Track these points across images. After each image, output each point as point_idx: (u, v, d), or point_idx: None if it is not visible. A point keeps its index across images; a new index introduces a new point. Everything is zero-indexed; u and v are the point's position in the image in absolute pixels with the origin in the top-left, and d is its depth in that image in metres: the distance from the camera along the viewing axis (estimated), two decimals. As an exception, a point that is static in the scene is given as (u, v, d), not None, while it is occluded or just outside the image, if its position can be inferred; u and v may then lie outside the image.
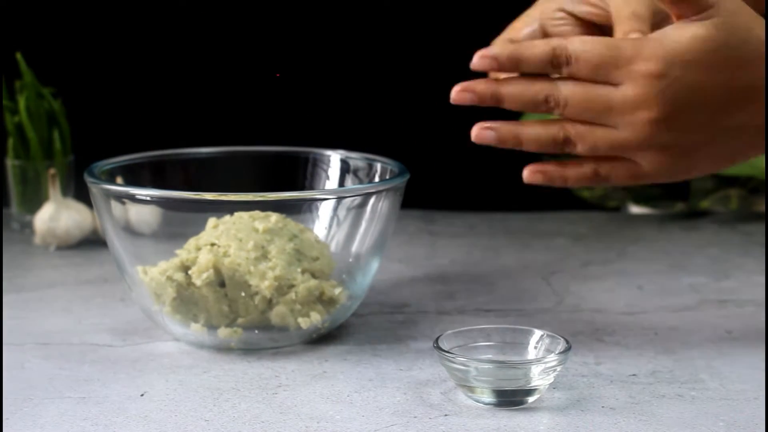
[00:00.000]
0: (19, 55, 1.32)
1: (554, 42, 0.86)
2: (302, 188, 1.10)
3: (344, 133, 1.42)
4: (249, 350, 0.98)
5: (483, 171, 1.47)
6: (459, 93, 0.88)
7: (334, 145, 1.12)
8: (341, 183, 1.10)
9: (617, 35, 0.92)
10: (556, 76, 0.87)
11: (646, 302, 1.11)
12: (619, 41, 0.85)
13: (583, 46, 0.85)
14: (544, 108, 0.86)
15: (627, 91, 0.85)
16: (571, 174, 0.89)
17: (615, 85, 0.85)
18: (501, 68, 0.86)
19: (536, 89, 0.86)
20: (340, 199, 0.99)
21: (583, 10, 0.97)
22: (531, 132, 0.88)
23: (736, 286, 1.16)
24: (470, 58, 1.00)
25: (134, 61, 1.45)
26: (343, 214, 1.00)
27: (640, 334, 1.02)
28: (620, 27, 0.92)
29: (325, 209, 1.00)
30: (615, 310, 1.09)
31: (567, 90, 0.86)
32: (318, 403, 0.88)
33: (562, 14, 0.98)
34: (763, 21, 0.86)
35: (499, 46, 0.86)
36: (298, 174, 1.11)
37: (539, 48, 0.86)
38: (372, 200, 0.99)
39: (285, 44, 1.44)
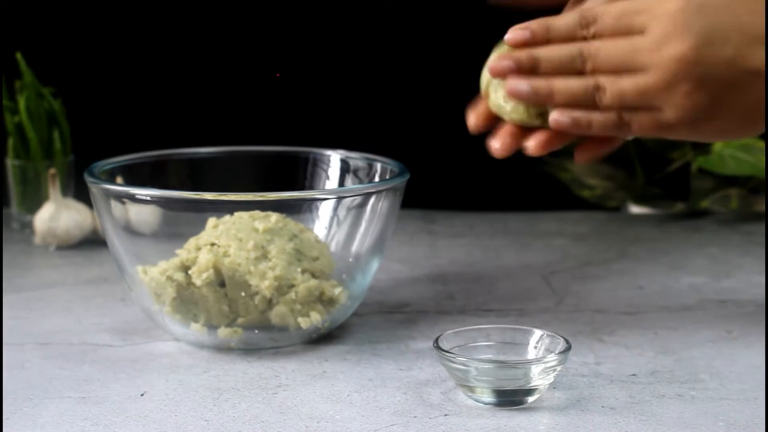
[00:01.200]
0: (19, 55, 1.32)
1: (576, 9, 0.90)
2: (302, 188, 1.10)
3: (344, 133, 1.42)
4: (249, 350, 0.98)
5: (483, 171, 1.47)
6: (497, 66, 0.91)
7: (334, 145, 1.12)
8: (341, 183, 1.10)
9: None
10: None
11: (646, 302, 1.11)
12: None
13: (601, 6, 0.89)
14: (578, 63, 0.89)
15: (652, 31, 0.87)
16: (597, 118, 0.90)
17: (641, 32, 0.87)
18: (534, 37, 0.90)
19: (569, 47, 0.89)
20: (340, 199, 0.99)
21: None
22: (563, 83, 0.90)
23: (736, 286, 1.16)
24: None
25: (134, 61, 1.45)
26: (343, 214, 1.00)
27: (640, 334, 1.02)
28: None
29: (325, 209, 1.00)
30: (615, 310, 1.09)
31: (596, 44, 0.89)
32: (318, 403, 0.88)
33: None
34: None
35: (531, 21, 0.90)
36: (298, 174, 1.11)
37: (566, 18, 0.90)
38: (372, 200, 0.99)
39: (285, 44, 1.44)
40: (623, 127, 0.89)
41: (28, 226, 1.32)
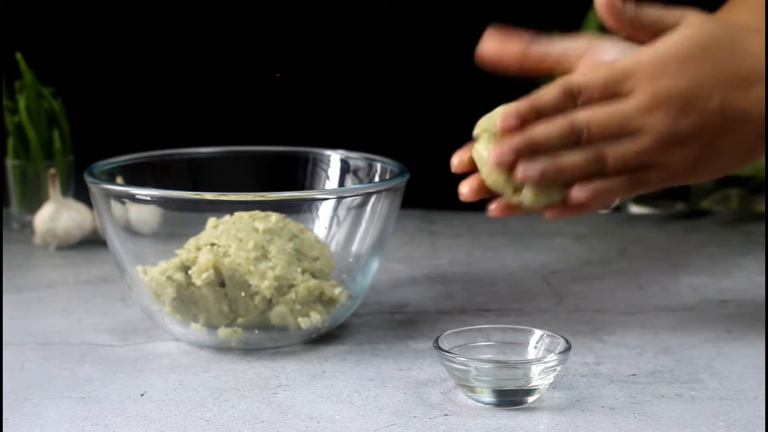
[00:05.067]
0: (19, 55, 1.32)
1: (561, 81, 0.90)
2: (302, 188, 1.10)
3: (344, 133, 1.42)
4: (249, 350, 0.98)
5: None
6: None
7: (334, 145, 1.12)
8: (341, 183, 1.10)
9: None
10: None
11: (646, 302, 1.11)
12: (616, 61, 0.90)
13: (585, 75, 0.89)
14: (573, 136, 0.89)
15: (638, 97, 0.88)
16: (613, 185, 0.91)
17: (627, 95, 0.88)
18: (524, 121, 0.89)
19: (560, 123, 0.89)
20: (340, 199, 0.99)
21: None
22: (567, 159, 0.90)
23: (736, 286, 1.16)
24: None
25: (134, 61, 1.45)
26: (343, 214, 1.00)
27: (640, 334, 1.02)
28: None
29: (325, 209, 1.00)
30: (615, 310, 1.09)
31: (585, 114, 0.89)
32: (318, 403, 0.88)
33: None
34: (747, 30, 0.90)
35: (516, 103, 0.89)
36: (298, 174, 1.11)
37: (551, 92, 0.89)
38: (372, 200, 0.99)
39: (285, 44, 1.44)
40: (638, 186, 0.91)
41: (28, 226, 1.32)
